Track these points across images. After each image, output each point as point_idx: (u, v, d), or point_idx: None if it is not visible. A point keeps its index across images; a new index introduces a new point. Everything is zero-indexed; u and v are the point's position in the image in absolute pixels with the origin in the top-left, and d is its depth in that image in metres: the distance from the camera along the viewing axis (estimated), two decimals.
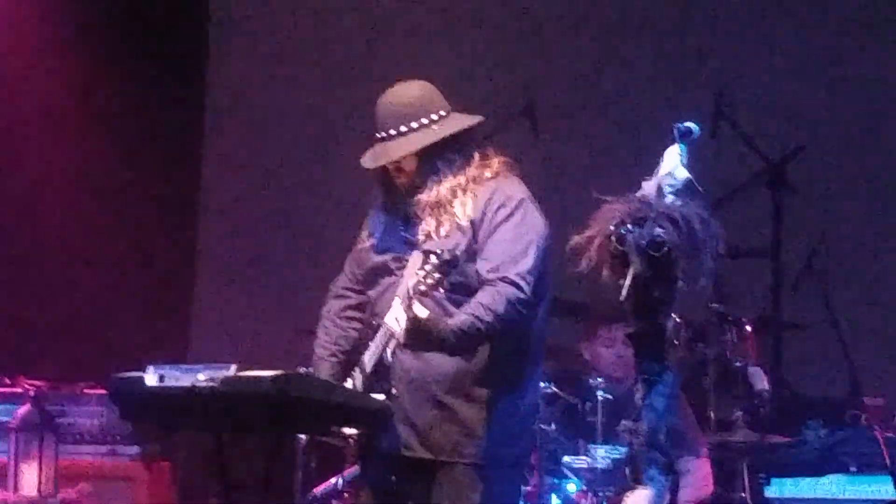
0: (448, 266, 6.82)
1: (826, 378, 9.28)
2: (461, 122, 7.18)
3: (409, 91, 7.23)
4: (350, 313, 7.35)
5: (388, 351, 6.95)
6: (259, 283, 10.43)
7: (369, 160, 7.20)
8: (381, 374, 7.03)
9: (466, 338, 6.93)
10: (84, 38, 11.09)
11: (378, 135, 7.17)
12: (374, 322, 7.10)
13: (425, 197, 7.13)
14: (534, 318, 7.14)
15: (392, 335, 6.89)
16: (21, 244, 10.77)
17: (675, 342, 7.12)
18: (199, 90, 12.43)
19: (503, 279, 6.95)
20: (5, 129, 10.98)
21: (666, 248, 6.98)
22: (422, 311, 6.79)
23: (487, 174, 7.15)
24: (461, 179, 7.11)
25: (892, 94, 10.11)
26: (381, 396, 6.94)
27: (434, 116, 7.16)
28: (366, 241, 7.34)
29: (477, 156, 7.16)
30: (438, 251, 6.85)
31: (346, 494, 8.59)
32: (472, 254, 6.99)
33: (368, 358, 7.03)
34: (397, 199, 7.22)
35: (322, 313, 7.41)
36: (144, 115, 11.54)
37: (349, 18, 11.66)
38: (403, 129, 7.16)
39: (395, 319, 6.88)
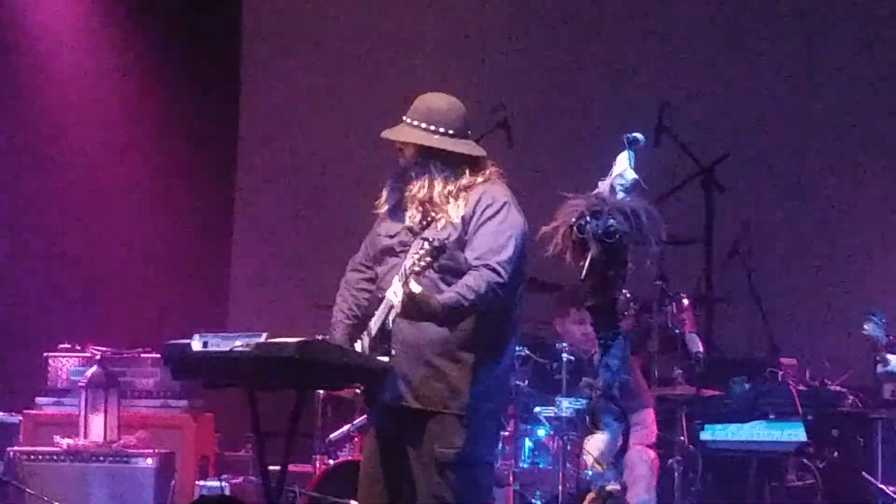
0: (437, 252, 6.56)
1: (749, 342, 9.17)
2: (462, 147, 6.91)
3: (441, 101, 6.98)
4: (363, 285, 7.10)
5: (390, 319, 6.73)
6: (287, 263, 10.12)
7: (387, 131, 6.94)
8: (383, 338, 6.83)
9: (452, 312, 6.72)
10: (136, 65, 10.68)
11: (404, 118, 6.92)
12: (378, 295, 6.89)
13: (415, 190, 6.85)
14: (512, 298, 6.90)
15: (392, 306, 6.69)
16: (90, 235, 10.45)
17: (626, 313, 6.95)
18: (233, 66, 11.66)
19: (486, 266, 6.74)
20: (79, 134, 10.59)
21: (618, 236, 6.84)
22: (416, 288, 6.56)
23: (479, 179, 6.88)
24: (451, 188, 6.85)
25: (801, 108, 9.94)
26: (384, 357, 6.71)
27: (445, 130, 6.88)
28: (379, 226, 7.06)
29: (468, 171, 6.89)
30: (430, 239, 6.61)
31: (355, 439, 8.42)
32: (462, 243, 6.74)
33: (373, 324, 6.86)
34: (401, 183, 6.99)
35: (341, 283, 7.12)
36: (184, 121, 10.96)
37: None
38: (419, 123, 6.88)
39: (395, 293, 6.66)
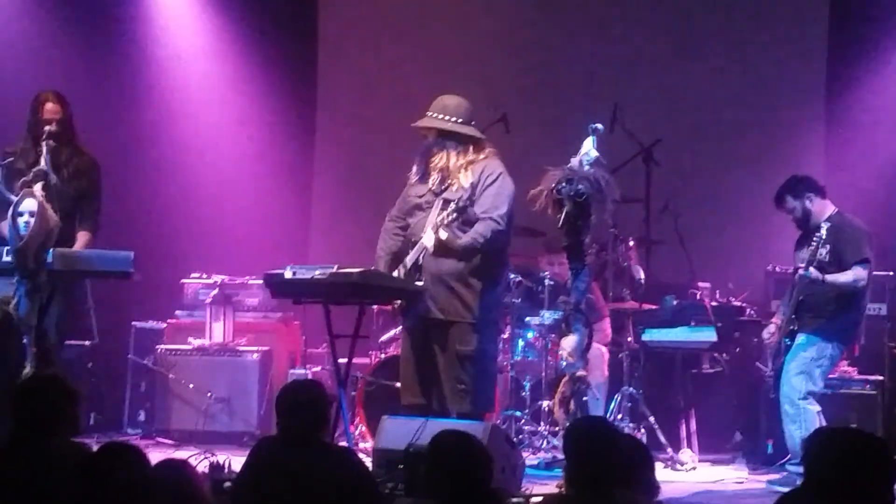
0: (460, 212, 6.98)
1: (675, 271, 8.94)
2: (468, 130, 7.23)
3: (452, 99, 7.24)
4: (397, 231, 7.38)
5: (421, 257, 7.09)
6: (351, 209, 9.70)
7: (415, 123, 7.26)
8: (415, 270, 7.13)
9: (469, 250, 7.08)
10: (232, 51, 10.13)
11: (427, 112, 7.21)
12: (412, 240, 7.21)
13: (436, 160, 7.18)
14: (507, 239, 7.29)
15: (425, 248, 7.04)
16: (210, 189, 10.06)
17: (590, 251, 7.42)
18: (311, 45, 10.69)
19: (490, 218, 7.10)
20: (197, 108, 10.09)
21: (584, 197, 7.13)
22: (444, 235, 6.95)
23: (482, 156, 7.22)
24: (462, 161, 7.17)
25: (716, 103, 9.72)
26: (419, 283, 7.05)
27: (456, 119, 7.18)
28: (409, 189, 7.36)
29: (472, 148, 7.21)
30: (455, 200, 7.01)
31: (397, 340, 8.21)
32: (472, 202, 7.04)
33: (408, 260, 7.17)
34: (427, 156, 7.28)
35: (382, 230, 7.39)
36: (272, 101, 10.25)
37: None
38: (437, 115, 7.20)
39: (429, 239, 7.01)
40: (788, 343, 7.65)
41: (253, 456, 5.28)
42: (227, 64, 10.18)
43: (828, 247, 7.49)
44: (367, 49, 10.38)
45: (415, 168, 7.36)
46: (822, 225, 7.55)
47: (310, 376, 8.76)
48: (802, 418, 7.39)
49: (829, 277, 7.45)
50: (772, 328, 7.85)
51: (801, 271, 7.51)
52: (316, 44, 10.50)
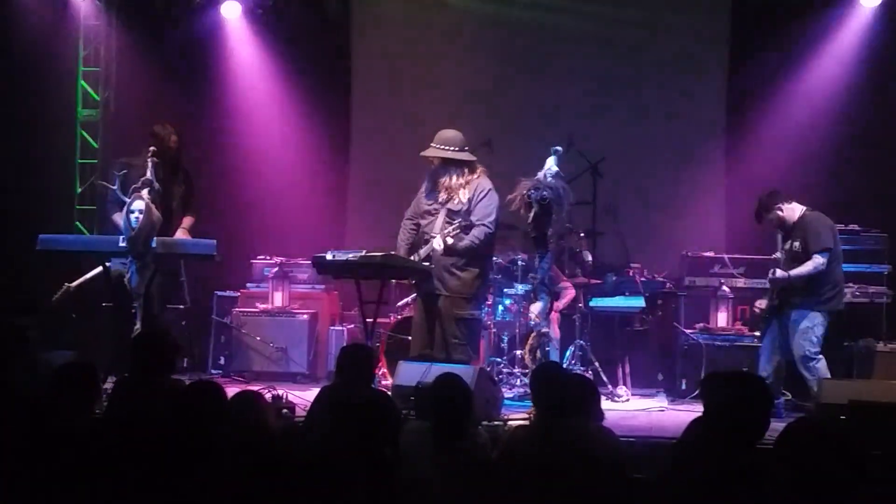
0: (461, 221, 7.02)
1: (615, 255, 8.85)
2: (464, 156, 7.21)
3: (449, 132, 7.20)
4: (412, 228, 7.39)
5: (431, 252, 7.10)
6: (381, 203, 9.19)
7: (423, 152, 7.23)
8: (426, 260, 7.12)
9: (468, 250, 7.11)
10: (277, 67, 9.84)
11: (432, 143, 7.19)
12: (425, 237, 7.22)
13: (443, 181, 7.18)
14: (494, 238, 7.29)
15: (434, 249, 7.07)
16: (272, 187, 9.89)
17: (551, 240, 7.40)
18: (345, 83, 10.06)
19: (483, 224, 7.13)
20: (252, 119, 9.87)
21: (547, 201, 7.17)
22: (450, 241, 7.00)
23: (475, 176, 7.22)
24: (461, 181, 7.18)
25: (641, 128, 9.48)
26: (432, 268, 7.06)
27: (453, 148, 7.17)
28: (421, 198, 7.36)
29: (467, 170, 7.20)
30: (458, 211, 7.05)
31: (410, 306, 8.21)
32: (469, 212, 7.08)
33: (422, 252, 7.17)
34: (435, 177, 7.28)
35: (401, 226, 7.41)
36: (311, 117, 9.89)
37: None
38: (439, 146, 7.18)
39: (438, 244, 7.03)
40: (771, 319, 7.31)
41: (317, 400, 5.32)
42: (280, 90, 9.88)
43: (798, 241, 7.20)
44: (392, 82, 9.91)
45: (426, 184, 7.34)
46: (795, 221, 7.25)
47: (345, 333, 8.85)
48: (812, 372, 7.03)
49: (793, 272, 7.15)
50: (763, 304, 7.46)
51: (769, 275, 7.26)
52: (350, 78, 10.01)
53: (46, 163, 9.61)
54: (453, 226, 7.03)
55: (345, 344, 8.06)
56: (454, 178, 7.19)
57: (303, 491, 3.48)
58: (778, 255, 7.42)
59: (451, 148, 7.18)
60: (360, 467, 3.81)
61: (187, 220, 8.00)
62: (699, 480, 3.48)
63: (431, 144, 7.21)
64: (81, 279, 8.08)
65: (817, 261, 7.13)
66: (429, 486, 4.14)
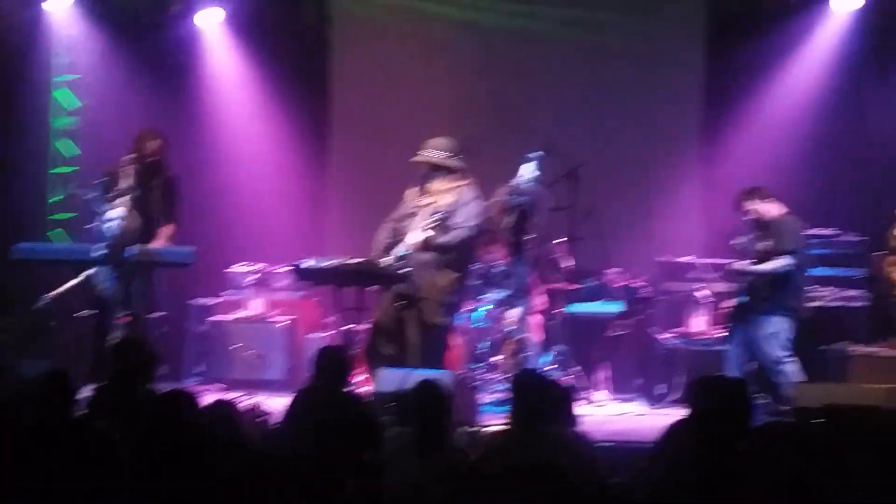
0: (441, 220, 7.03)
1: (594, 260, 8.57)
2: (452, 162, 7.24)
3: (440, 139, 7.34)
4: (391, 228, 7.34)
5: (408, 250, 7.08)
6: (359, 212, 9.02)
7: (413, 158, 7.27)
8: (402, 259, 7.10)
9: (446, 248, 7.12)
10: (258, 78, 9.68)
11: (420, 151, 7.24)
12: (399, 238, 7.20)
13: (430, 185, 7.23)
14: (475, 242, 7.35)
15: (411, 243, 7.06)
16: (251, 198, 9.79)
17: (529, 246, 7.45)
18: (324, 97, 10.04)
19: (464, 227, 7.15)
20: (248, 140, 9.81)
21: (526, 208, 7.35)
22: (430, 233, 7.00)
23: (463, 183, 7.26)
24: (448, 185, 7.22)
25: (620, 137, 9.42)
26: (408, 269, 7.04)
27: (443, 154, 7.21)
28: (409, 202, 7.35)
29: (456, 174, 7.23)
30: (439, 212, 7.07)
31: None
32: (452, 216, 7.10)
33: (396, 250, 7.13)
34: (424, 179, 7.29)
35: (380, 227, 7.38)
36: (296, 123, 9.84)
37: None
38: (431, 152, 7.23)
39: (415, 237, 7.03)
40: (737, 325, 7.33)
41: (294, 402, 5.30)
42: (259, 96, 9.80)
43: (770, 240, 7.18)
44: (372, 89, 9.85)
45: (417, 188, 7.35)
46: (769, 221, 7.24)
47: (325, 340, 8.57)
48: (783, 376, 7.06)
49: (755, 267, 7.14)
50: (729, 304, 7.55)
51: (729, 267, 7.30)
52: (331, 85, 9.96)
53: (19, 172, 9.57)
54: (433, 219, 7.01)
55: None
56: (441, 182, 7.23)
57: (282, 495, 3.48)
58: (740, 239, 7.40)
59: (441, 154, 7.22)
60: (344, 472, 3.82)
61: (167, 229, 7.85)
62: (686, 482, 3.53)
63: (420, 151, 7.25)
64: (60, 289, 7.90)
65: (781, 261, 7.11)
66: (413, 490, 4.19)
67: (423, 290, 7.11)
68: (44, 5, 9.50)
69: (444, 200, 7.18)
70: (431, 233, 7.03)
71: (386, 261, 7.13)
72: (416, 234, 7.03)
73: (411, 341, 7.10)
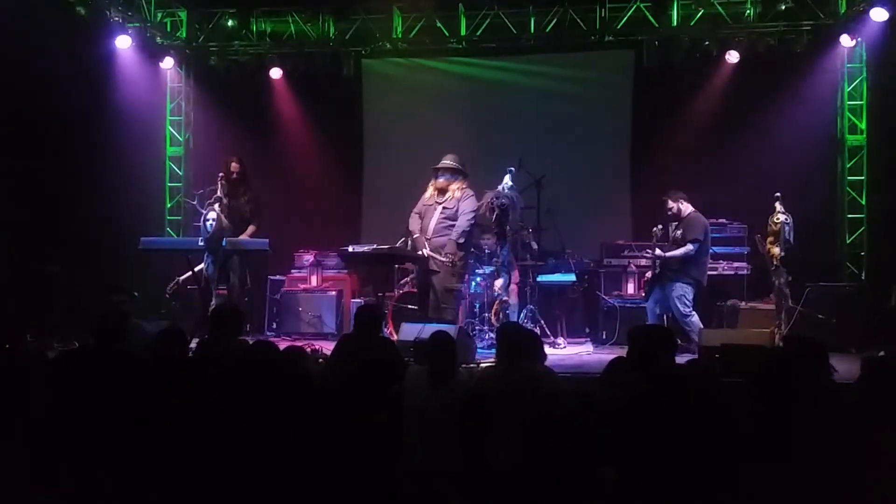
0: (450, 217, 6.96)
1: (553, 243, 8.39)
2: (461, 173, 7.14)
3: (455, 154, 7.20)
4: (417, 219, 7.17)
5: (426, 245, 7.02)
6: (389, 206, 8.74)
7: (440, 164, 7.12)
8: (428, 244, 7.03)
9: (458, 234, 7.00)
10: (321, 133, 9.72)
11: (445, 158, 7.12)
12: (426, 223, 7.10)
13: (444, 183, 7.09)
14: (474, 231, 7.24)
15: (429, 238, 7.01)
16: (307, 200, 9.69)
17: (509, 234, 7.36)
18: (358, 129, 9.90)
19: (465, 220, 7.03)
20: (304, 161, 9.80)
21: (505, 206, 7.18)
22: (443, 240, 6.95)
23: (464, 186, 7.15)
24: (456, 186, 7.10)
25: (570, 156, 9.35)
26: (425, 251, 6.98)
27: (456, 166, 7.12)
28: (425, 198, 7.16)
29: (461, 179, 7.14)
30: (449, 208, 6.97)
31: (408, 284, 7.96)
32: (456, 211, 7.01)
33: (422, 239, 7.06)
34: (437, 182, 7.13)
35: (410, 218, 7.21)
36: (330, 152, 9.73)
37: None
38: (447, 163, 7.12)
39: (426, 252, 6.97)
40: (655, 289, 7.23)
41: (338, 345, 5.29)
42: (311, 129, 9.80)
43: (681, 231, 7.15)
44: (393, 120, 9.77)
45: (430, 187, 7.22)
46: (683, 217, 7.20)
47: (363, 304, 8.62)
48: (691, 328, 6.95)
49: (668, 254, 7.09)
50: (648, 274, 7.45)
51: (648, 252, 7.20)
52: (362, 119, 9.88)
53: (146, 186, 9.60)
54: (444, 216, 6.86)
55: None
56: (454, 183, 7.13)
57: (335, 415, 3.48)
58: (657, 228, 7.28)
59: (456, 164, 7.17)
60: (375, 400, 3.82)
61: (251, 228, 7.79)
62: (621, 400, 3.51)
63: (443, 160, 7.17)
64: (186, 274, 7.99)
65: (688, 248, 7.09)
66: (426, 413, 4.16)
67: (442, 265, 7.00)
68: (162, 64, 9.53)
69: (453, 195, 7.04)
70: (448, 232, 6.95)
71: (421, 241, 6.94)
72: (427, 251, 6.86)
73: (437, 302, 6.99)
